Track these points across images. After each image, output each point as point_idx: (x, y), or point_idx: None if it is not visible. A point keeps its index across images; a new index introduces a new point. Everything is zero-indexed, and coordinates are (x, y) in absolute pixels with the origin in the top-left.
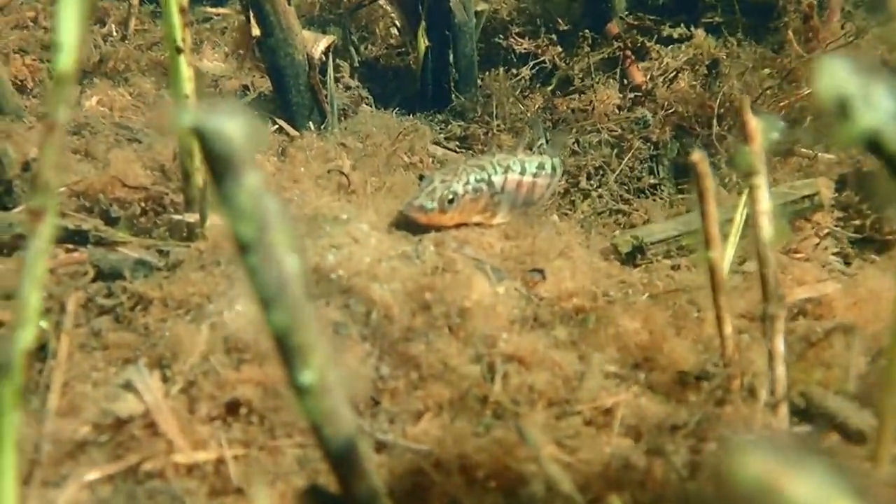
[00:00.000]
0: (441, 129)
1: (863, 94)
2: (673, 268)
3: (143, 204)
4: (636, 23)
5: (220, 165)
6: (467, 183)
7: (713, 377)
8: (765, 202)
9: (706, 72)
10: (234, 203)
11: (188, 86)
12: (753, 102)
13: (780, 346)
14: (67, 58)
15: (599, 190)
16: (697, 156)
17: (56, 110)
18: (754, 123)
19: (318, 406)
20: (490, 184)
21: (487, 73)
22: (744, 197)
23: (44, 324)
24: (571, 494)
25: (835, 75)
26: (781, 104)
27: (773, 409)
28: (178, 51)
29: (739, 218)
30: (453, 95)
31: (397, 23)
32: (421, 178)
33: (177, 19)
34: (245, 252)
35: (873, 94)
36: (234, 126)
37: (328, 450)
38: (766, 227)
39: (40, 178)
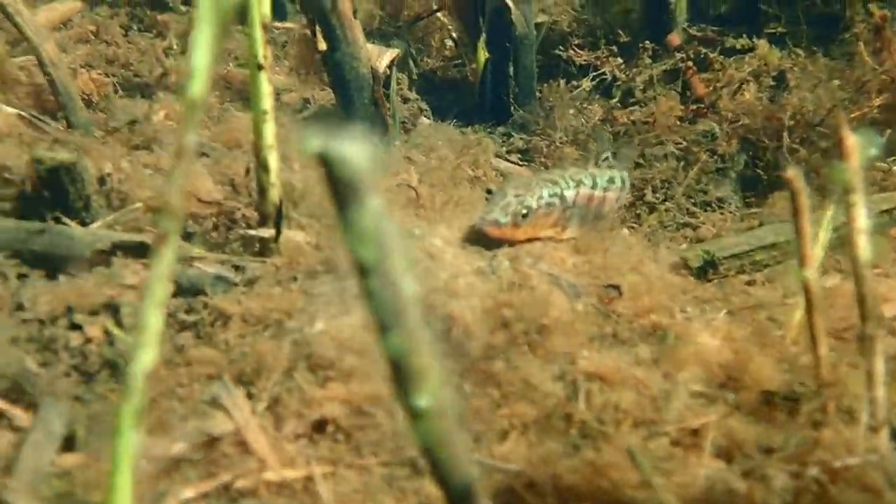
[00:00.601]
0: (503, 141)
1: None
2: (748, 283)
3: (215, 219)
4: (698, 34)
5: (344, 190)
6: (541, 197)
7: (803, 398)
8: (862, 220)
9: (772, 83)
10: (357, 227)
11: (267, 102)
12: (826, 115)
13: (880, 366)
14: (199, 84)
15: (666, 203)
16: (792, 172)
17: (186, 135)
18: (851, 139)
19: (432, 429)
20: (562, 198)
21: (546, 85)
22: (828, 213)
23: (131, 339)
24: None
25: None
26: (853, 116)
27: (874, 432)
28: (259, 67)
29: (824, 234)
30: (512, 108)
31: (453, 35)
32: (489, 192)
33: (259, 35)
34: (365, 275)
35: None
36: (357, 151)
37: (441, 475)
38: (864, 246)
39: (168, 202)
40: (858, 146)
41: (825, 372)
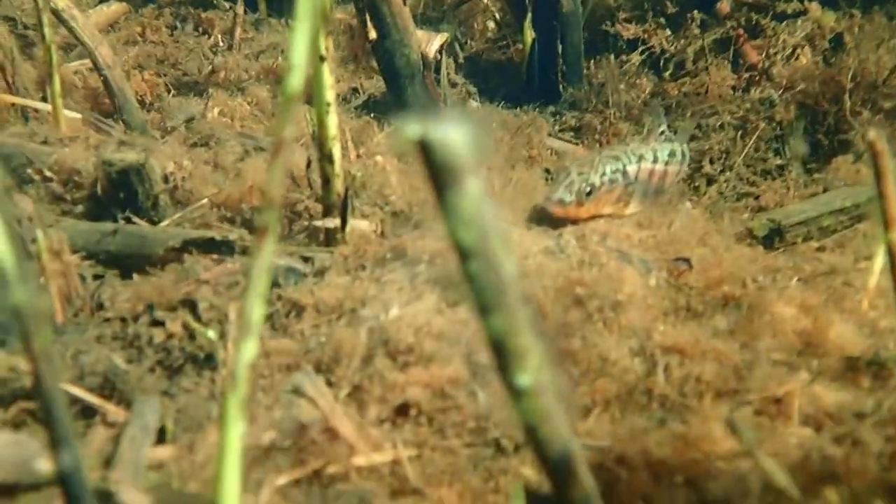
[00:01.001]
0: (554, 120)
1: None
2: (818, 250)
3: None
4: (747, 0)
5: (444, 175)
6: (604, 174)
7: (888, 362)
8: None
9: (827, 46)
10: (457, 211)
11: (330, 94)
12: (889, 76)
13: None
14: (297, 79)
15: (725, 174)
16: (874, 134)
17: (284, 129)
18: None
19: (534, 408)
20: (625, 174)
21: (594, 61)
22: None
23: (211, 334)
24: (787, 488)
25: None
26: None
27: None
28: (322, 59)
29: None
30: (561, 87)
31: (496, 16)
32: (547, 172)
33: (320, 26)
34: (466, 258)
35: None
36: (458, 136)
37: (544, 452)
38: None
39: (268, 196)
40: None
41: None
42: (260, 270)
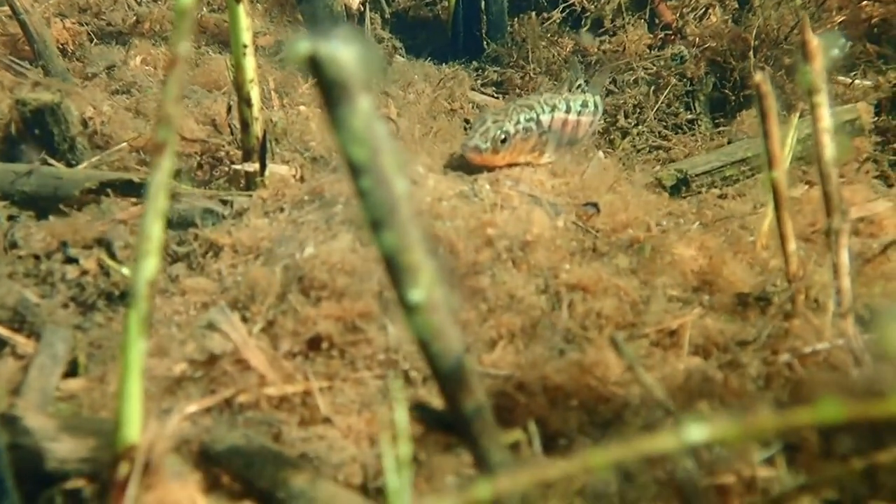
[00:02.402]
0: (477, 75)
1: None
2: (720, 197)
3: (200, 157)
4: None
5: (334, 91)
6: (518, 122)
7: (774, 297)
8: (826, 120)
9: (737, 6)
10: (348, 127)
11: (247, 36)
12: (789, 33)
13: (844, 259)
14: None
15: (638, 127)
16: (760, 76)
17: (178, 43)
18: (815, 42)
19: (426, 323)
20: (538, 123)
21: (518, 19)
22: (794, 120)
23: (126, 271)
24: (663, 400)
25: None
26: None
27: (841, 319)
28: (237, 0)
29: (791, 140)
30: (485, 43)
31: None
32: (467, 122)
33: None
34: (358, 175)
35: None
36: (348, 52)
37: (437, 366)
38: (829, 145)
39: (163, 111)
40: (822, 48)
41: (794, 267)
42: (158, 186)
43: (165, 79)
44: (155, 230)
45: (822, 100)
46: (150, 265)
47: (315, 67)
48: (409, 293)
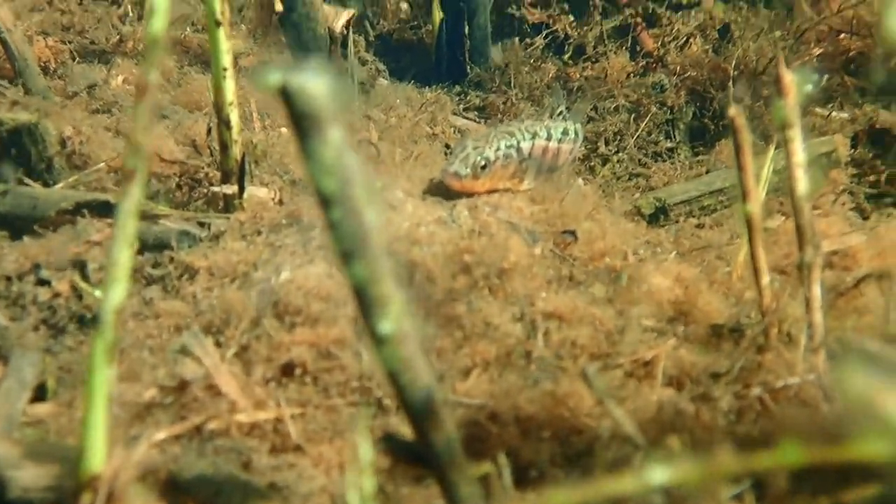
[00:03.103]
0: (459, 100)
1: None
2: (698, 226)
3: (178, 178)
4: None
5: (305, 122)
6: (498, 149)
7: (748, 328)
8: (800, 154)
9: (717, 36)
10: (318, 158)
11: (227, 59)
12: (768, 64)
13: (817, 293)
14: (159, 21)
15: (618, 154)
16: (734, 110)
17: (149, 72)
18: (789, 77)
19: (396, 355)
20: (519, 150)
21: (501, 44)
22: (770, 152)
23: (99, 293)
24: (633, 435)
25: None
26: (793, 65)
27: (812, 353)
28: (217, 24)
29: (767, 172)
30: (468, 67)
31: None
32: (447, 147)
33: None
34: (328, 206)
35: None
36: (319, 84)
37: (406, 398)
38: (802, 179)
39: (133, 139)
40: (796, 84)
41: (767, 300)
42: (126, 214)
43: (135, 106)
44: (123, 257)
45: (796, 134)
46: (118, 293)
47: (286, 98)
48: (379, 325)
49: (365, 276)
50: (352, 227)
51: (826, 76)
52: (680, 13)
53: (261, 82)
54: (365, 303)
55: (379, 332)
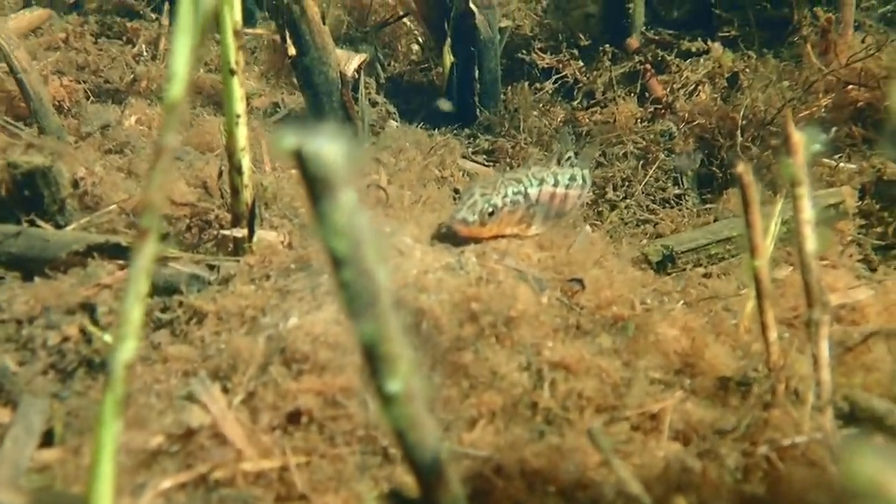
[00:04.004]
0: (469, 143)
1: None
2: (705, 276)
3: (189, 220)
4: (655, 37)
5: (317, 186)
6: (506, 196)
7: (755, 383)
8: (807, 211)
9: (726, 84)
10: (330, 221)
11: (240, 106)
12: (776, 114)
13: (825, 350)
14: (178, 87)
15: (626, 200)
16: (742, 167)
17: (167, 135)
18: (797, 136)
19: (403, 413)
20: (526, 196)
21: (511, 88)
22: (778, 206)
23: (108, 338)
24: (640, 496)
25: None
26: (802, 115)
27: (819, 412)
28: (232, 72)
29: (775, 224)
30: (478, 110)
31: (419, 39)
32: (456, 191)
33: (231, 41)
34: (339, 266)
35: None
36: (333, 149)
37: (413, 457)
38: (809, 236)
39: (148, 199)
40: (804, 142)
41: (775, 357)
42: (139, 271)
43: (152, 168)
44: (135, 314)
45: (804, 192)
46: (129, 348)
47: (300, 162)
48: (387, 383)
49: (374, 335)
50: (362, 286)
51: (834, 129)
52: (689, 61)
53: (279, 146)
54: (373, 361)
55: (387, 391)
